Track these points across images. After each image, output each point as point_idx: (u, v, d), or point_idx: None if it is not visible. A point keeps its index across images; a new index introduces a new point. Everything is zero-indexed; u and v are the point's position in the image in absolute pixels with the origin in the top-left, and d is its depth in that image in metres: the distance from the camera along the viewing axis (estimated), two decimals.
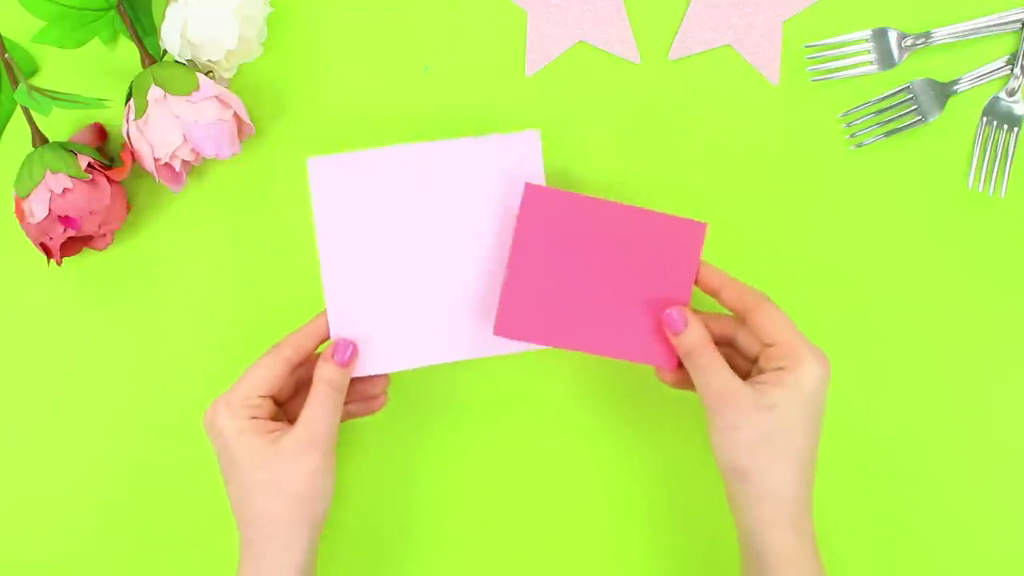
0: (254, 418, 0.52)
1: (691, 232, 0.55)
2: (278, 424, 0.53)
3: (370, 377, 0.57)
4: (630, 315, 0.55)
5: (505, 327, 0.55)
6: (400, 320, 0.56)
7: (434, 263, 0.57)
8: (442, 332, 0.56)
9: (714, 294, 0.54)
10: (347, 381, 0.54)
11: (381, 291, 0.56)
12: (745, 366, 0.54)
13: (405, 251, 0.57)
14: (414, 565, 0.61)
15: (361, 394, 0.57)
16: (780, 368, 0.51)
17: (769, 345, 0.52)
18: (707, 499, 0.60)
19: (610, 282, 0.55)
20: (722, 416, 0.51)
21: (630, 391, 0.61)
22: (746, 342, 0.54)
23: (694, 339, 0.52)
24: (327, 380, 0.53)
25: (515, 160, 0.57)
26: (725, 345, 0.55)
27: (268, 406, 0.53)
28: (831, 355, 0.59)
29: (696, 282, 0.55)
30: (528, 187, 0.54)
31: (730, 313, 0.55)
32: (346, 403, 0.57)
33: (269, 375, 0.53)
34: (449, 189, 0.57)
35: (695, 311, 0.54)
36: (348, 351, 0.54)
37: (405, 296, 0.56)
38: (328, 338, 0.55)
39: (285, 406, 0.56)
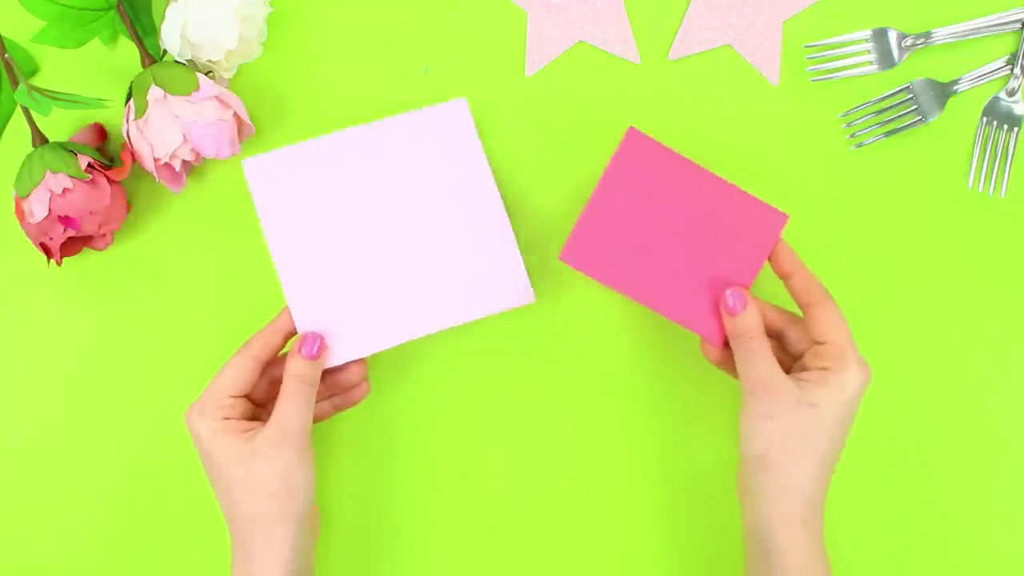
0: (227, 419, 0.52)
1: (771, 219, 0.55)
2: (253, 424, 0.53)
3: (347, 366, 0.57)
4: (692, 282, 0.55)
5: (572, 255, 0.55)
6: (363, 303, 0.56)
7: (385, 241, 0.57)
8: (406, 308, 0.57)
9: (784, 277, 0.54)
10: (318, 374, 0.54)
11: (339, 278, 0.56)
12: (786, 362, 0.54)
13: (355, 234, 0.57)
14: (403, 555, 0.61)
15: (341, 385, 0.57)
16: (825, 368, 0.51)
17: (820, 343, 0.52)
18: (701, 489, 0.60)
19: (682, 244, 0.55)
20: (760, 403, 0.51)
21: (613, 373, 0.61)
22: (796, 339, 0.54)
23: (749, 323, 0.52)
24: (296, 375, 0.53)
25: (447, 130, 0.58)
26: (773, 338, 0.55)
27: (241, 406, 0.53)
28: None
29: (770, 259, 0.55)
30: (630, 131, 0.55)
31: (778, 306, 0.55)
32: (328, 397, 0.57)
33: (238, 375, 0.53)
34: (387, 167, 0.57)
35: (754, 297, 0.54)
36: (315, 344, 0.54)
37: (364, 279, 0.57)
38: (295, 333, 0.55)
39: (265, 407, 0.56)
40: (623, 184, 0.55)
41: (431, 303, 0.57)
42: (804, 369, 0.52)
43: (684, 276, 0.55)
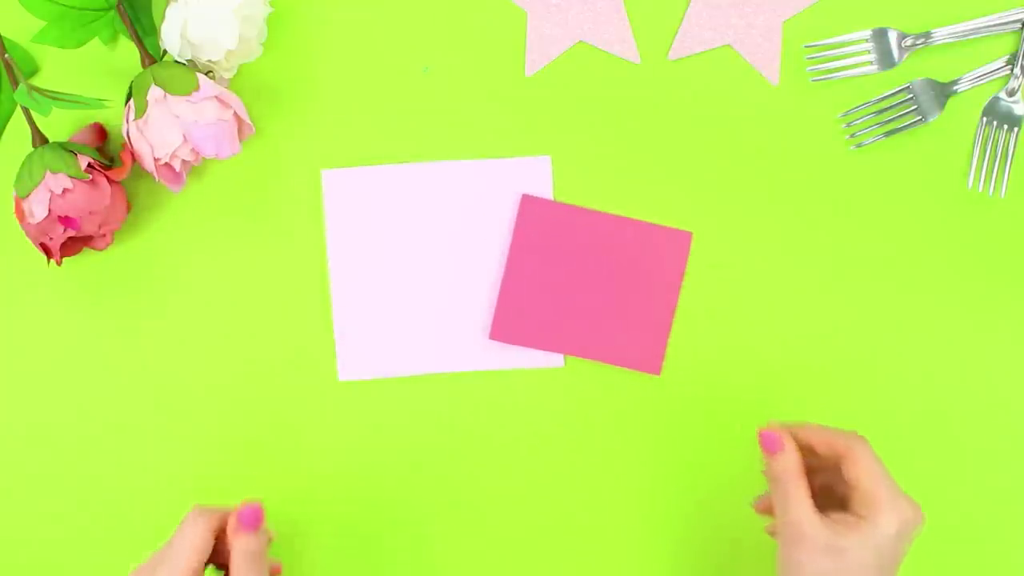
0: None
1: (677, 240, 0.58)
2: None
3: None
4: (620, 321, 0.58)
5: (502, 332, 0.58)
6: (401, 326, 0.59)
7: (437, 275, 0.59)
8: (442, 343, 0.59)
9: (810, 450, 0.52)
10: (264, 540, 0.51)
11: (385, 298, 0.59)
12: (842, 490, 0.51)
13: (412, 263, 0.59)
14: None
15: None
16: (859, 515, 0.49)
17: (854, 489, 0.50)
18: (708, 511, 0.60)
19: (602, 289, 0.58)
20: (790, 549, 0.49)
21: (623, 399, 0.61)
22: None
23: (784, 465, 0.50)
24: (245, 551, 0.50)
25: (525, 183, 0.59)
26: (832, 470, 0.52)
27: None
28: (828, 355, 0.59)
29: (796, 440, 0.51)
30: (524, 198, 0.58)
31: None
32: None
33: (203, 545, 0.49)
34: (457, 207, 0.59)
35: (790, 430, 0.51)
36: (255, 514, 0.50)
37: (407, 303, 0.59)
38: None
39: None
40: (531, 250, 0.58)
41: (466, 343, 0.59)
42: (847, 508, 0.50)
43: (613, 318, 0.58)
